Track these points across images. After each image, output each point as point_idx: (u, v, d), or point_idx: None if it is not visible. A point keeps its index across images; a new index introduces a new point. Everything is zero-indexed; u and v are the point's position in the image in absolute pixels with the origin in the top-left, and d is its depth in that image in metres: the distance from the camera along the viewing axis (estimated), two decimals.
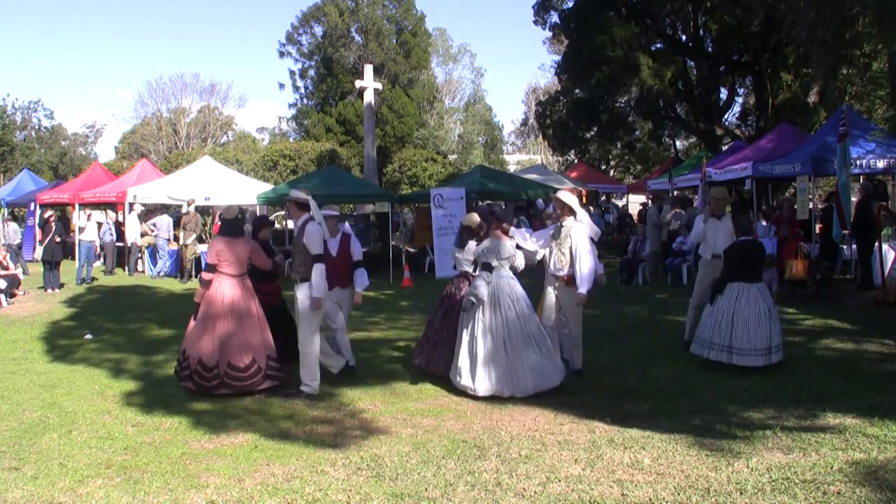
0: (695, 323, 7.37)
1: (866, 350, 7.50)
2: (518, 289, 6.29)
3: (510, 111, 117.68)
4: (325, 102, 36.65)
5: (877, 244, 10.78)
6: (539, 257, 6.74)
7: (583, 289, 6.29)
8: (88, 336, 9.45)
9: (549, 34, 30.86)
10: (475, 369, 6.07)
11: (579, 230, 6.47)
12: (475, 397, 6.10)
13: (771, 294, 7.15)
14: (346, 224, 7.74)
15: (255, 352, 6.37)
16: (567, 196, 6.70)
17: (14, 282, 13.46)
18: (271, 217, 17.33)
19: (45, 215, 15.69)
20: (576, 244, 6.38)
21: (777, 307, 6.93)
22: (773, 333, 6.64)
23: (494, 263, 6.31)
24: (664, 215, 14.73)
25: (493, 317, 6.11)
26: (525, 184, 17.89)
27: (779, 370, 6.59)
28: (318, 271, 6.21)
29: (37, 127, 44.52)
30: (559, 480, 4.26)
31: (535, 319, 6.30)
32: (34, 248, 20.09)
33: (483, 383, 6.03)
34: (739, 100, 27.54)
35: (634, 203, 26.86)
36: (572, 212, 6.57)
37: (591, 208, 22.35)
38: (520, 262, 6.44)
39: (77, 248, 15.99)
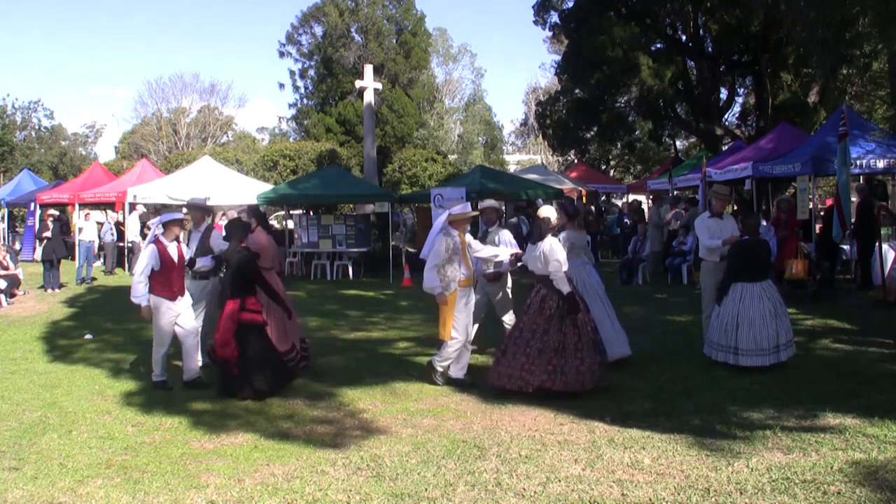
0: None
1: (866, 350, 7.50)
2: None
3: (510, 111, 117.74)
4: (325, 102, 36.57)
5: (877, 244, 10.78)
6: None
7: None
8: (88, 336, 9.45)
9: (549, 34, 30.77)
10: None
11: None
12: (475, 397, 6.11)
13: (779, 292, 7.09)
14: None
15: (294, 336, 6.89)
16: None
17: (14, 282, 13.46)
18: (271, 217, 17.33)
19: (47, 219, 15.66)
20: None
21: (784, 304, 6.91)
22: (781, 331, 6.62)
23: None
24: (664, 215, 14.74)
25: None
26: (525, 184, 17.86)
27: (779, 370, 6.59)
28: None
29: (37, 127, 44.49)
30: (559, 480, 4.27)
31: None
32: (34, 249, 20.09)
33: None
34: (739, 100, 27.44)
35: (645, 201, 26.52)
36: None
37: (592, 208, 22.34)
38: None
39: (77, 248, 16.00)
